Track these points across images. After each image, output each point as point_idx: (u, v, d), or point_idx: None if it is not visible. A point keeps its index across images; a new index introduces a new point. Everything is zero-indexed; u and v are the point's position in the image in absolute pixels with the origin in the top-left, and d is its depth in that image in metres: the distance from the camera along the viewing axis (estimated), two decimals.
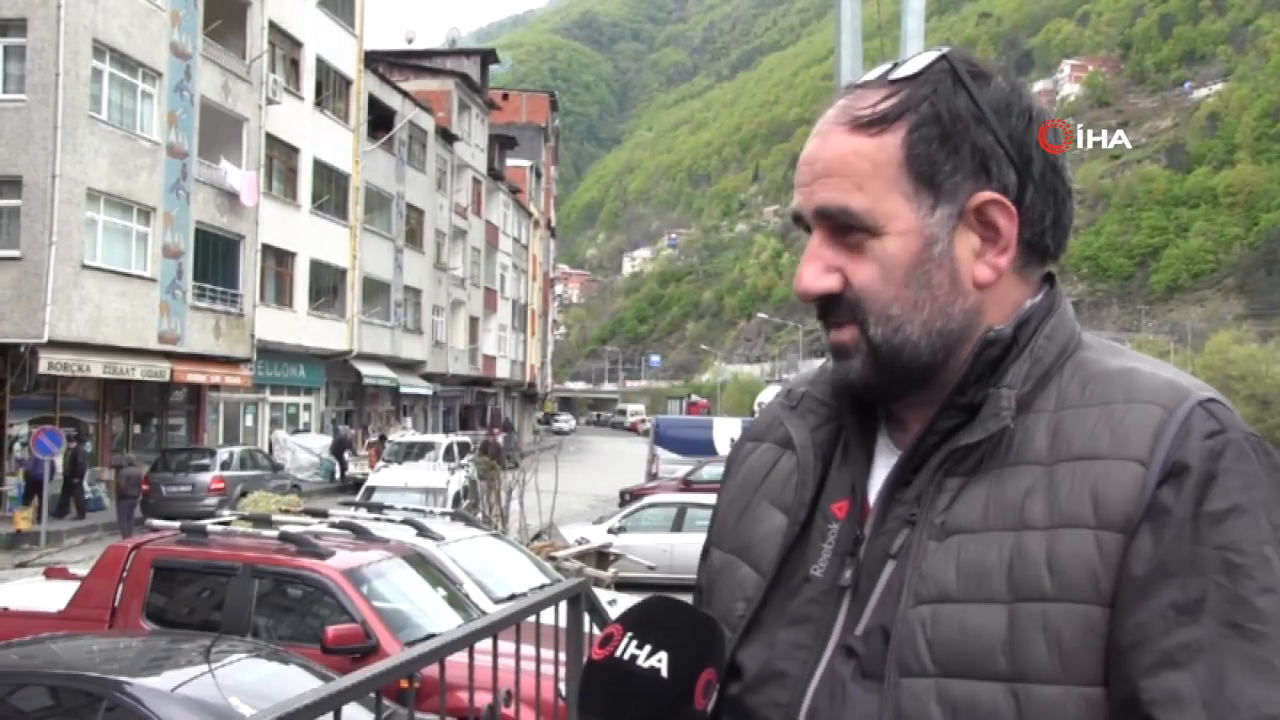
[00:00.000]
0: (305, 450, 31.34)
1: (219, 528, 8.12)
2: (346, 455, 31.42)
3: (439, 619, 6.99)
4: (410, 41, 52.86)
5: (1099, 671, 0.92)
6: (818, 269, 1.04)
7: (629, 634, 1.03)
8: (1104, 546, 0.93)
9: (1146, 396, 0.98)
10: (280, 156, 31.24)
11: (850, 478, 1.08)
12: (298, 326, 32.16)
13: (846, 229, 1.02)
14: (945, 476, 1.01)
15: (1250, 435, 0.96)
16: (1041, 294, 1.08)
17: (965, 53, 1.06)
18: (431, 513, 10.91)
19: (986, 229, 1.04)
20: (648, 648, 1.01)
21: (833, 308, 1.04)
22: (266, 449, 29.41)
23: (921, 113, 1.02)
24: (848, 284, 1.03)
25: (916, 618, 0.96)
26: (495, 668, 2.94)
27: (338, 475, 30.77)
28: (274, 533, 7.73)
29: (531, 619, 3.29)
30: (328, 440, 32.72)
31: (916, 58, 1.06)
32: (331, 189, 34.13)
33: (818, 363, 1.12)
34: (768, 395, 31.60)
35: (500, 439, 34.02)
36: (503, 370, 57.01)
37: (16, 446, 21.84)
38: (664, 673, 1.00)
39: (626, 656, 1.01)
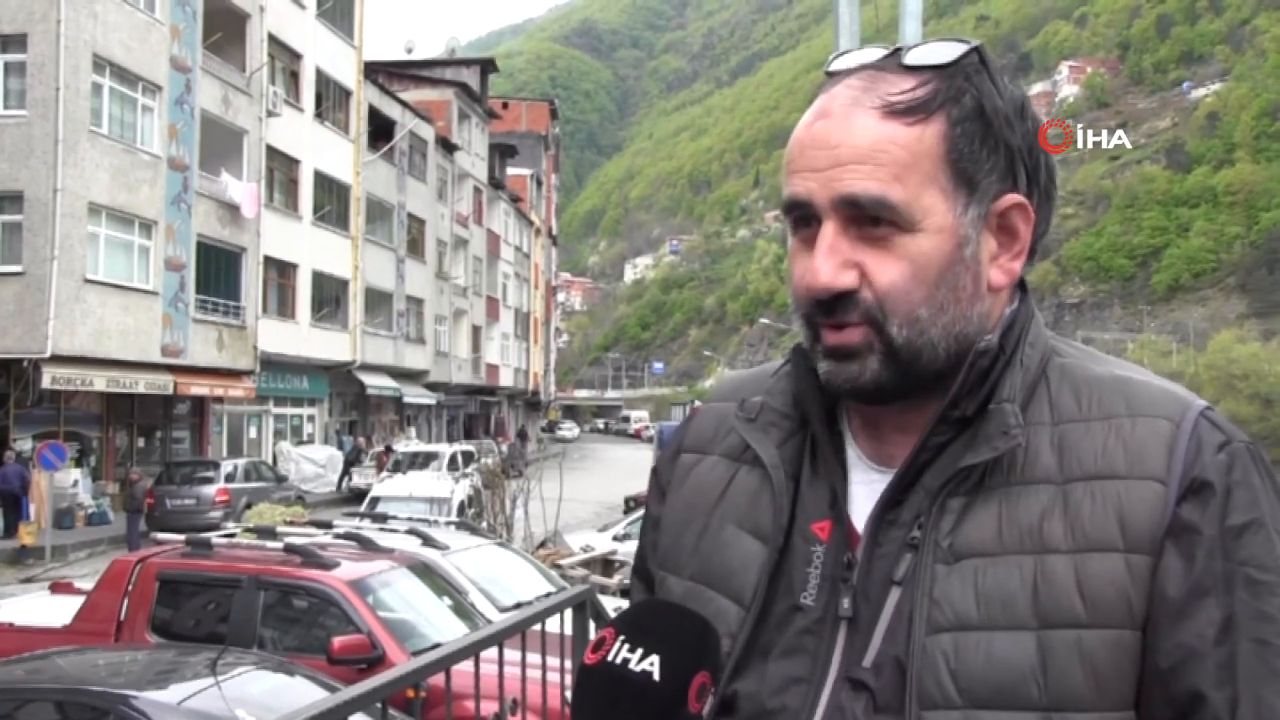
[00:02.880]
0: (309, 461, 31.33)
1: (224, 540, 8.13)
2: (354, 468, 31.35)
3: (445, 628, 6.98)
4: (409, 52, 53.02)
5: (1130, 696, 0.91)
6: (836, 264, 0.95)
7: (621, 638, 0.99)
8: (1134, 569, 0.91)
9: (1151, 410, 0.96)
10: (281, 168, 31.28)
11: (826, 496, 1.03)
12: (300, 338, 32.17)
13: (873, 222, 0.95)
14: (947, 496, 0.96)
15: (1249, 444, 0.95)
16: (1017, 300, 1.05)
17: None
18: (436, 522, 10.91)
19: (1004, 233, 1.00)
20: (640, 651, 0.98)
21: (840, 306, 0.96)
22: (271, 461, 29.42)
23: (964, 105, 0.97)
24: (866, 281, 0.96)
25: (937, 647, 0.92)
26: (501, 676, 2.93)
27: (344, 485, 30.77)
28: (279, 544, 7.74)
29: (537, 627, 3.29)
30: (332, 451, 32.68)
31: (937, 45, 0.99)
32: (332, 200, 34.17)
33: None
34: None
35: (505, 446, 33.91)
36: (506, 379, 57.01)
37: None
38: (656, 676, 0.96)
39: (618, 660, 0.98)
